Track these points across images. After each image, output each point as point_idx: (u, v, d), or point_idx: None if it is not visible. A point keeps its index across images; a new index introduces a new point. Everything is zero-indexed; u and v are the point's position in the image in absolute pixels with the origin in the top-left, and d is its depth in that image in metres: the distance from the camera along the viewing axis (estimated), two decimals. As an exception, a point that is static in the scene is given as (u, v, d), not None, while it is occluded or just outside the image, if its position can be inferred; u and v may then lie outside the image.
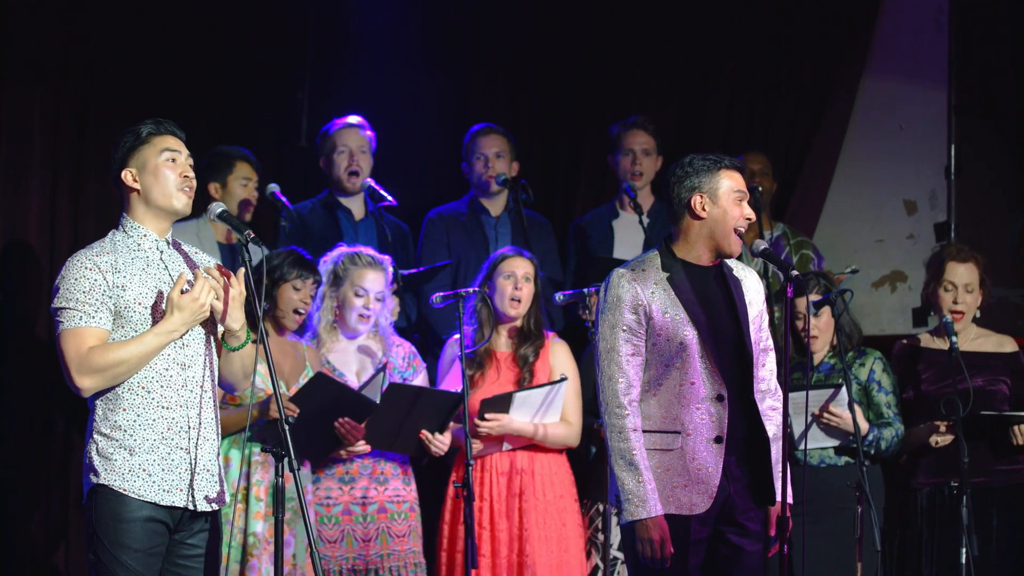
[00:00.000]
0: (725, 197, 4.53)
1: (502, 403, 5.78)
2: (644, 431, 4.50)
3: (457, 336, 5.73)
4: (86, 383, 4.10)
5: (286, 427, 4.08)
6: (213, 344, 4.29)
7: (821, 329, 5.88)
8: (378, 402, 5.60)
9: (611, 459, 4.47)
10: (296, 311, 5.65)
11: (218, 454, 4.28)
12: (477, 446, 5.80)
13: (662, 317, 4.49)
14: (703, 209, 4.54)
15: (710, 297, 4.56)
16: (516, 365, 5.94)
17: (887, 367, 5.96)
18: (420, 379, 5.91)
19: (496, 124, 6.85)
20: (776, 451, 4.56)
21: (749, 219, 4.56)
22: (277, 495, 4.10)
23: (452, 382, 5.86)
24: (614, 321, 4.51)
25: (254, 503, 5.46)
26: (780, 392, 4.65)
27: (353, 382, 5.79)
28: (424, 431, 5.71)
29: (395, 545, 5.74)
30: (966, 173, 7.42)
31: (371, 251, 5.90)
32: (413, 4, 7.63)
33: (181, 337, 4.19)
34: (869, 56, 7.47)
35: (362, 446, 5.71)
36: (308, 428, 5.46)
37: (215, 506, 4.25)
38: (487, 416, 5.76)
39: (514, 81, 7.67)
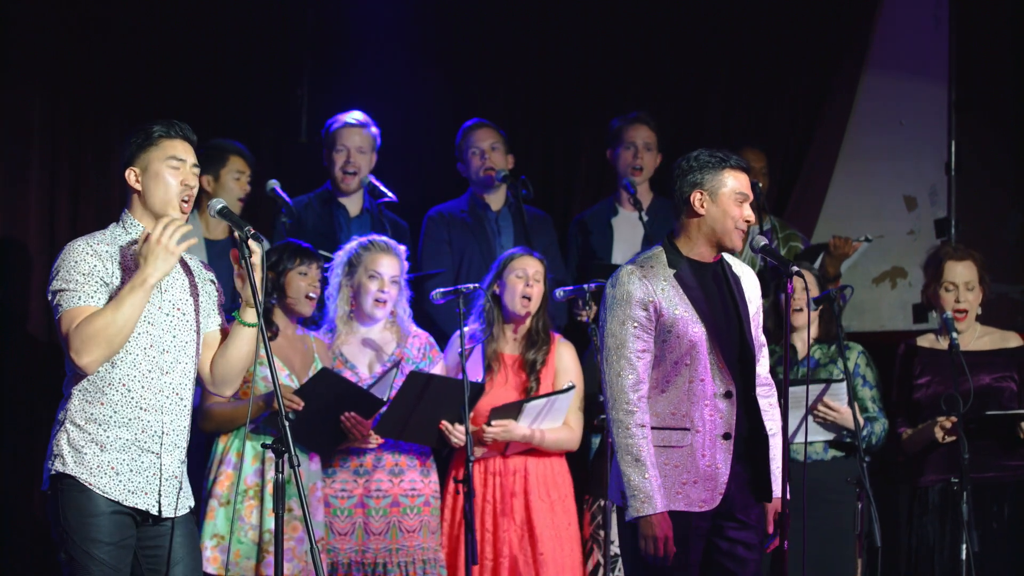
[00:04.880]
0: (726, 197, 4.52)
1: (511, 412, 5.77)
2: (653, 428, 4.50)
3: (464, 330, 5.74)
4: (84, 358, 4.06)
5: (286, 423, 4.07)
6: (194, 356, 4.27)
7: (804, 323, 5.85)
8: (386, 399, 5.59)
9: (617, 455, 4.46)
10: (308, 296, 5.68)
11: (183, 462, 4.26)
12: (480, 450, 5.79)
13: (671, 314, 4.48)
14: (702, 206, 4.53)
15: (713, 294, 4.56)
16: (523, 370, 5.93)
17: (870, 361, 5.96)
18: (437, 369, 5.88)
19: (493, 120, 6.84)
20: (776, 446, 4.57)
21: (748, 221, 4.55)
22: (277, 491, 4.09)
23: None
24: (624, 317, 4.49)
25: (268, 500, 5.45)
26: (774, 387, 4.66)
27: (364, 374, 5.79)
28: (444, 422, 5.70)
29: (404, 540, 5.71)
30: (966, 169, 7.42)
31: (385, 238, 5.91)
32: (412, 1, 7.63)
33: (162, 340, 4.16)
34: (869, 52, 7.47)
35: (374, 439, 5.69)
36: (314, 422, 5.48)
37: (178, 513, 4.22)
38: (493, 423, 5.75)
39: (513, 78, 7.67)
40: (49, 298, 4.17)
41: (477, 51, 7.67)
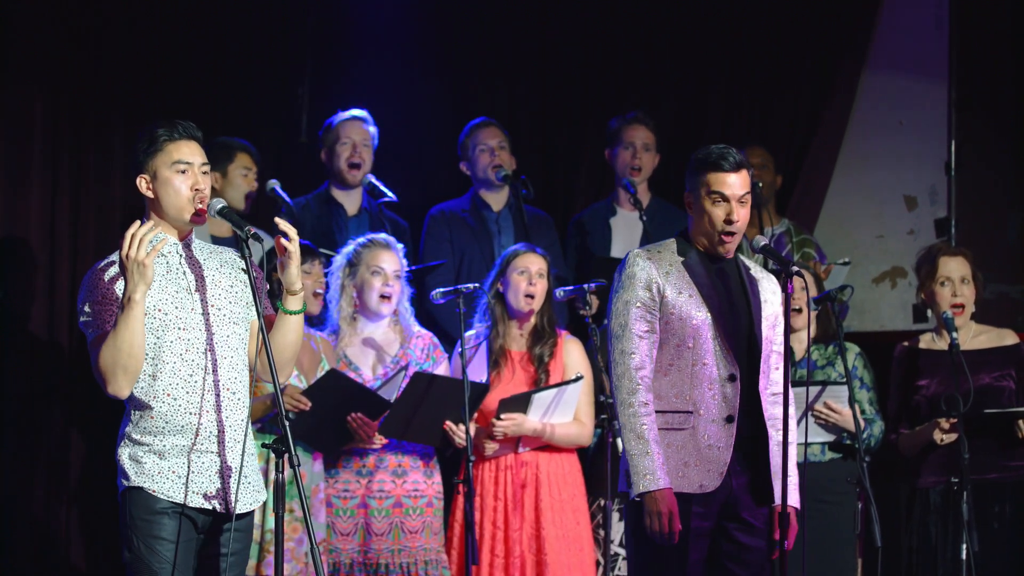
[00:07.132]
0: (704, 197, 4.56)
1: (520, 403, 5.76)
2: (656, 411, 4.52)
3: (469, 332, 5.73)
4: (110, 388, 4.03)
5: (286, 423, 4.06)
6: (239, 347, 4.21)
7: (803, 324, 5.86)
8: (392, 400, 5.60)
9: (621, 434, 4.50)
10: (315, 293, 5.71)
11: (243, 454, 4.17)
12: (493, 447, 5.80)
13: (676, 297, 4.52)
14: (688, 206, 4.63)
15: (725, 286, 4.60)
16: (531, 364, 5.92)
17: (867, 363, 5.96)
18: (440, 370, 5.88)
19: (494, 119, 6.86)
20: (786, 454, 4.55)
21: (730, 222, 4.53)
22: (277, 491, 4.07)
23: (469, 376, 5.82)
24: (628, 298, 4.54)
25: (270, 499, 5.44)
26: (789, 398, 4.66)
27: (368, 376, 5.80)
28: (448, 422, 5.71)
29: (407, 541, 5.71)
30: (966, 169, 7.42)
31: (383, 235, 5.92)
32: (413, 0, 7.63)
33: (201, 341, 4.12)
34: (869, 52, 7.47)
35: (378, 440, 5.69)
36: (321, 422, 5.50)
37: (246, 508, 4.20)
38: (503, 416, 5.75)
39: (514, 77, 7.67)
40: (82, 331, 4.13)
41: (477, 51, 7.67)
